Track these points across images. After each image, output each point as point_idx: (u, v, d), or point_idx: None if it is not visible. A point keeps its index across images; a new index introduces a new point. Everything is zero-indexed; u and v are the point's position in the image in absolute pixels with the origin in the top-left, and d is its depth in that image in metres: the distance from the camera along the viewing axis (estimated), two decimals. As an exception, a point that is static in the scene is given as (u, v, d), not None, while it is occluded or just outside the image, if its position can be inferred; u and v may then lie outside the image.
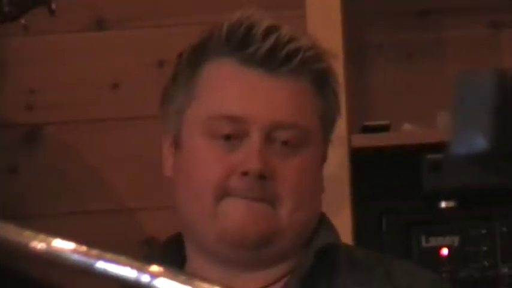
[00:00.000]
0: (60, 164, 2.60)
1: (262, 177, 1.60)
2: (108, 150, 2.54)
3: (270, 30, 1.61)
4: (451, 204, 2.37)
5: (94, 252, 0.76)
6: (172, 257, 1.62)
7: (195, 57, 1.68)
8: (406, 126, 2.42)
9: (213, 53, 1.66)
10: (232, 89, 1.71)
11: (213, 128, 1.63)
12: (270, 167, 1.61)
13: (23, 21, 2.25)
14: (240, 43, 1.64)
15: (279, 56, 1.63)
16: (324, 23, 2.40)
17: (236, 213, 1.61)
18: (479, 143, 0.63)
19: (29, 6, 2.19)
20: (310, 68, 1.66)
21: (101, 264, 0.75)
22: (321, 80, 1.69)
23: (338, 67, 2.06)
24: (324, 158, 1.72)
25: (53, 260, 0.78)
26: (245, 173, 1.59)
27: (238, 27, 1.62)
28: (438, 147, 2.24)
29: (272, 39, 1.61)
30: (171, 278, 0.73)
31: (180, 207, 1.63)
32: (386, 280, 1.67)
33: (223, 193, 1.59)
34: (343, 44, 2.36)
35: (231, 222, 1.60)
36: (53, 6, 2.11)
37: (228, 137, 1.62)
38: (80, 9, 2.46)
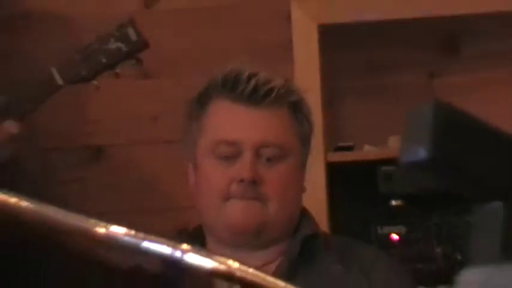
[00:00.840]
0: (119, 177, 3.09)
1: (254, 182, 2.05)
2: (154, 163, 3.04)
3: (251, 75, 2.06)
4: (399, 203, 2.88)
5: (140, 235, 0.91)
6: (195, 242, 2.06)
7: (201, 101, 2.15)
8: (366, 147, 3.00)
9: (213, 96, 2.13)
10: (227, 121, 2.17)
11: (216, 151, 2.08)
12: (259, 175, 2.06)
13: (95, 82, 2.61)
14: (231, 86, 2.10)
15: (259, 94, 2.08)
16: (307, 72, 2.90)
17: (236, 210, 2.07)
18: (421, 153, 0.71)
19: (100, 70, 2.61)
20: (284, 101, 2.11)
21: (146, 244, 0.90)
22: (295, 109, 2.15)
23: (316, 103, 2.65)
24: (303, 166, 2.18)
25: (110, 240, 0.94)
26: (241, 181, 2.04)
27: (229, 75, 2.09)
28: (390, 162, 2.70)
29: (253, 82, 2.07)
30: (196, 253, 0.88)
31: (200, 208, 2.14)
32: (354, 259, 2.17)
33: (227, 196, 2.06)
34: (321, 87, 2.88)
35: (233, 217, 2.06)
36: (118, 70, 2.52)
37: (227, 157, 2.08)
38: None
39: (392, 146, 2.98)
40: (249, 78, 2.10)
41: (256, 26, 3.07)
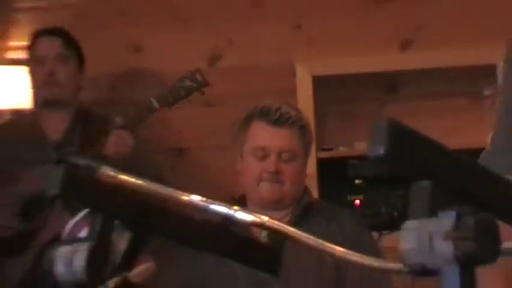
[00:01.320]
0: (196, 175, 3.91)
1: (276, 172, 2.89)
2: (218, 165, 3.81)
3: (277, 108, 2.88)
4: (360, 182, 3.98)
5: (209, 200, 1.20)
6: (241, 205, 2.19)
7: (246, 122, 2.94)
8: (341, 148, 4.09)
9: (254, 119, 2.92)
10: (261, 135, 2.92)
11: (254, 153, 2.91)
12: (280, 169, 2.90)
13: (154, 102, 3.48)
14: (265, 114, 2.90)
15: (281, 120, 2.88)
16: (306, 105, 3.74)
17: (266, 189, 2.89)
18: (380, 150, 0.87)
19: (180, 99, 3.55)
20: (296, 124, 2.91)
21: (212, 207, 1.19)
22: (302, 129, 2.93)
23: (312, 124, 3.34)
24: (306, 163, 3.00)
25: (192, 204, 1.21)
26: (269, 172, 2.89)
27: (264, 107, 2.89)
28: (355, 157, 3.86)
29: (278, 112, 2.87)
30: (242, 212, 1.18)
31: (243, 185, 2.99)
32: (334, 216, 2.92)
33: (259, 180, 2.90)
34: (314, 114, 3.78)
35: (264, 192, 2.89)
36: (190, 98, 3.51)
37: (260, 157, 2.88)
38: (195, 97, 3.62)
39: (358, 148, 4.05)
40: (276, 110, 2.89)
41: (276, 79, 3.89)
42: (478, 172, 1.01)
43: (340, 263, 2.80)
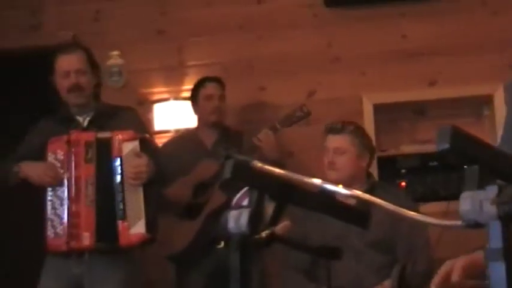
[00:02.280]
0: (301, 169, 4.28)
1: (332, 163, 3.26)
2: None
3: (335, 123, 3.31)
4: (405, 170, 4.53)
5: (324, 181, 1.42)
6: None
7: (324, 132, 3.33)
8: (391, 150, 4.54)
9: (325, 131, 3.31)
10: (326, 141, 3.31)
11: (324, 154, 3.28)
12: (335, 160, 3.24)
13: (277, 124, 3.96)
14: (329, 128, 3.32)
15: (335, 129, 3.27)
16: (368, 123, 4.42)
17: (327, 174, 3.23)
18: (445, 145, 1.03)
19: (294, 123, 4.04)
20: (346, 131, 3.26)
21: (325, 185, 1.42)
22: (351, 134, 3.26)
23: (372, 135, 3.83)
24: (359, 156, 3.24)
25: (312, 184, 1.40)
26: (327, 162, 3.26)
27: (330, 124, 3.33)
28: (401, 155, 4.45)
29: (334, 126, 3.29)
30: (343, 188, 1.45)
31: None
32: (393, 191, 3.37)
33: (327, 168, 3.25)
34: (375, 129, 4.37)
35: (327, 177, 3.19)
36: (299, 123, 4.00)
37: (325, 155, 3.27)
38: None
39: (402, 149, 4.58)
40: (334, 124, 3.32)
41: (350, 106, 4.57)
42: (507, 158, 1.10)
43: (393, 225, 3.05)
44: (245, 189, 1.47)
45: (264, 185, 1.45)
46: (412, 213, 1.32)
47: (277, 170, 1.47)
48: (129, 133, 3.23)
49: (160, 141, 4.62)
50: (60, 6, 5.01)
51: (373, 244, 3.12)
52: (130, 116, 3.44)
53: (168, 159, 3.78)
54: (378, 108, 4.50)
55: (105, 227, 3.13)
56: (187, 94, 4.68)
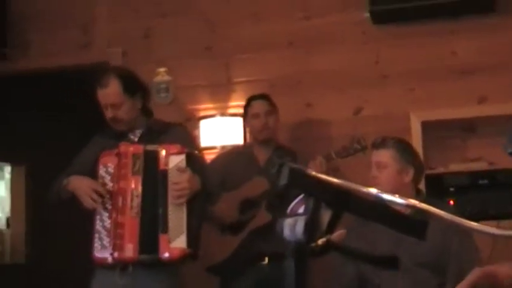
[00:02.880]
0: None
1: (373, 177, 3.17)
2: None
3: (378, 138, 3.23)
4: (453, 189, 4.37)
5: (378, 191, 1.41)
6: None
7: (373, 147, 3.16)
8: (440, 168, 4.47)
9: (371, 148, 3.24)
10: (372, 155, 3.24)
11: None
12: (377, 175, 3.17)
13: (333, 154, 3.94)
14: (373, 144, 3.26)
15: (377, 144, 3.20)
16: (416, 141, 4.33)
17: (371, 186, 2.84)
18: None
19: (343, 156, 4.03)
20: (387, 146, 3.17)
21: (380, 195, 1.41)
22: (393, 149, 3.17)
23: (420, 152, 3.70)
24: (402, 170, 3.13)
25: (368, 193, 1.41)
26: (371, 177, 3.17)
27: (376, 139, 3.23)
28: (450, 173, 4.30)
29: (380, 140, 3.21)
30: (400, 198, 1.44)
31: None
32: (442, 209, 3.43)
33: (370, 183, 3.01)
34: (423, 147, 4.28)
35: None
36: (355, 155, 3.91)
37: (371, 168, 3.13)
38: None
39: (451, 168, 4.45)
40: (377, 140, 3.26)
41: (397, 124, 4.45)
42: None
43: (444, 245, 2.96)
44: (300, 196, 1.45)
45: (319, 192, 1.43)
46: (471, 224, 1.32)
47: (333, 179, 1.47)
48: (177, 147, 3.26)
49: (207, 157, 4.63)
50: (111, 23, 5.12)
51: (423, 264, 3.03)
52: (180, 132, 3.48)
53: (221, 171, 3.95)
54: (426, 126, 4.45)
55: (147, 239, 3.15)
56: (234, 110, 4.81)
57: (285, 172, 1.42)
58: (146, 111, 3.46)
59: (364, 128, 4.35)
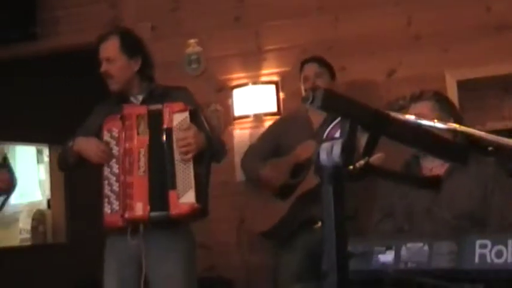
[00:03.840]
0: None
1: None
2: None
3: (419, 92, 3.10)
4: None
5: (423, 120, 1.37)
6: None
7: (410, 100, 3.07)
8: (477, 126, 4.16)
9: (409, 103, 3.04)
10: (410, 110, 3.03)
11: None
12: None
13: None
14: (411, 98, 3.10)
15: (420, 97, 3.08)
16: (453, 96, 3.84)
17: None
18: None
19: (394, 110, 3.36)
20: (429, 98, 3.06)
21: (423, 122, 1.37)
22: (434, 101, 3.07)
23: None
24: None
25: (409, 121, 1.38)
26: None
27: (414, 93, 3.09)
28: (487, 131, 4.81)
29: (418, 93, 3.11)
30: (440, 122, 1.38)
31: None
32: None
33: None
34: (459, 107, 3.92)
35: None
36: None
37: None
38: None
39: (488, 126, 4.45)
40: (421, 92, 3.12)
41: (432, 84, 4.17)
42: None
43: (484, 197, 2.88)
44: (336, 120, 1.39)
45: (355, 114, 1.37)
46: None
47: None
48: (180, 105, 3.26)
49: (240, 126, 4.74)
50: (139, -2, 4.96)
51: (462, 216, 2.92)
52: (182, 93, 3.46)
53: (276, 136, 3.99)
54: (462, 85, 4.36)
55: (156, 197, 3.13)
56: (266, 78, 4.79)
57: (319, 95, 1.35)
58: (147, 77, 3.47)
59: (399, 90, 4.23)
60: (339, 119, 1.38)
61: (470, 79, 4.42)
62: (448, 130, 1.42)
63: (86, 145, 3.27)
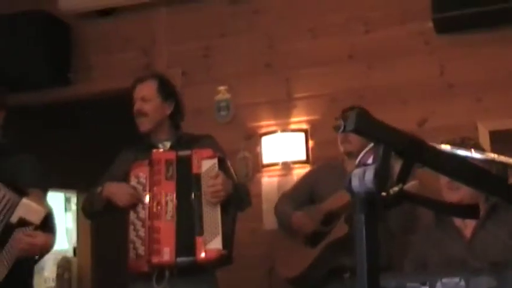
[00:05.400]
0: None
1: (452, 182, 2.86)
2: None
3: (460, 139, 2.96)
4: None
5: (459, 150, 1.34)
6: None
7: None
8: None
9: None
10: None
11: None
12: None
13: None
14: (455, 144, 2.71)
15: (460, 145, 2.44)
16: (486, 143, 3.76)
17: (449, 191, 2.89)
18: None
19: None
20: (472, 146, 2.80)
21: (459, 151, 1.36)
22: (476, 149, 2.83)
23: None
24: None
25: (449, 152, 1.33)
26: (448, 182, 2.91)
27: (451, 140, 2.84)
28: None
29: (459, 140, 2.95)
30: (478, 152, 1.36)
31: None
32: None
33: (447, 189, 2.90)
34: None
35: (448, 197, 2.87)
36: None
37: None
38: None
39: None
40: (462, 139, 2.97)
41: (464, 134, 4.01)
42: None
43: None
44: (369, 146, 1.35)
45: (390, 139, 1.32)
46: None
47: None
48: (208, 151, 3.29)
49: (268, 174, 4.68)
50: (171, 45, 5.16)
51: (495, 264, 2.77)
52: (208, 141, 3.49)
53: (312, 183, 3.95)
54: (495, 136, 4.30)
55: (184, 242, 3.14)
56: (295, 126, 4.77)
57: (353, 117, 1.31)
58: (176, 123, 3.53)
59: (430, 140, 3.97)
60: (372, 145, 1.34)
61: (503, 130, 4.37)
62: (486, 161, 1.44)
63: (116, 189, 3.26)
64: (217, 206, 3.17)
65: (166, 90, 3.49)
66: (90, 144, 6.32)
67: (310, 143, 4.66)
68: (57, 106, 5.31)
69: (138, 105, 3.42)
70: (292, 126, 4.73)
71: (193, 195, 3.19)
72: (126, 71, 5.04)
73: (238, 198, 3.31)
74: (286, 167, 4.64)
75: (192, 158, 3.25)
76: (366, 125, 1.30)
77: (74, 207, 7.35)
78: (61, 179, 6.29)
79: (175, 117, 3.50)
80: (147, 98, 3.42)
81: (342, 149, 3.95)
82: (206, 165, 3.23)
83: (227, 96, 4.97)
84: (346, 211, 3.77)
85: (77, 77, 5.22)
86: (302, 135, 4.65)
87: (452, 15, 4.24)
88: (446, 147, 1.42)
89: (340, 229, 3.77)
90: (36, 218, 2.99)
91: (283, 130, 4.70)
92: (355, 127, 1.29)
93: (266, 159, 4.72)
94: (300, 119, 4.70)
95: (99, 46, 5.24)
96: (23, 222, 2.96)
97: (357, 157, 3.71)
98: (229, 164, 3.38)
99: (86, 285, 6.79)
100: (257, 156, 4.72)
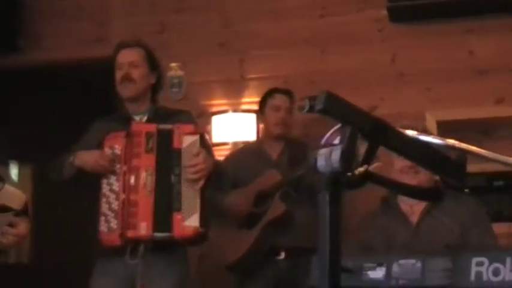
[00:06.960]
0: None
1: (412, 166, 2.96)
2: None
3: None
4: None
5: (422, 136, 1.40)
6: None
7: None
8: None
9: None
10: None
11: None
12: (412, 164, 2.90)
13: None
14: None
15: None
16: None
17: (407, 175, 2.94)
18: None
19: None
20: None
21: (421, 136, 1.41)
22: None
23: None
24: None
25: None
26: (408, 167, 2.94)
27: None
28: None
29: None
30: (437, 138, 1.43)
31: None
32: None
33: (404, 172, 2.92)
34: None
35: (407, 180, 2.84)
36: None
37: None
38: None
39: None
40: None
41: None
42: None
43: (463, 233, 2.86)
44: (336, 127, 1.37)
45: (357, 121, 1.35)
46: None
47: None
48: (190, 127, 3.21)
49: (218, 153, 4.56)
50: (126, 18, 5.08)
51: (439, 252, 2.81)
52: (186, 117, 3.40)
53: (232, 169, 3.77)
54: (442, 126, 4.35)
55: (161, 217, 3.07)
56: (247, 107, 4.74)
57: (321, 97, 1.34)
58: (154, 97, 3.47)
59: None
60: (339, 125, 1.36)
61: (450, 120, 4.44)
62: (446, 146, 1.47)
63: (90, 157, 3.17)
64: (196, 183, 3.12)
65: (152, 60, 3.43)
66: (38, 115, 6.13)
67: (261, 124, 4.62)
68: (4, 73, 5.10)
69: (125, 70, 3.33)
70: (244, 107, 4.73)
71: (173, 170, 3.14)
72: (78, 42, 5.00)
73: (218, 177, 3.27)
74: (236, 147, 4.63)
75: (173, 133, 3.18)
76: (334, 106, 1.32)
77: (13, 178, 7.13)
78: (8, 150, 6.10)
79: (156, 90, 3.45)
80: (135, 64, 3.35)
81: (277, 130, 4.03)
82: (187, 141, 3.17)
83: (180, 73, 4.95)
84: (278, 190, 3.78)
85: (26, 44, 5.15)
86: (253, 116, 4.64)
87: (406, 4, 4.31)
88: (411, 132, 1.47)
89: (277, 208, 3.78)
90: (17, 203, 2.96)
91: (235, 110, 4.71)
92: (324, 107, 1.31)
93: (216, 138, 4.72)
94: (251, 100, 4.70)
95: (51, 12, 5.16)
96: (3, 208, 2.92)
97: (282, 139, 3.99)
98: (209, 141, 3.31)
99: (23, 258, 6.61)
100: (207, 134, 4.69)
